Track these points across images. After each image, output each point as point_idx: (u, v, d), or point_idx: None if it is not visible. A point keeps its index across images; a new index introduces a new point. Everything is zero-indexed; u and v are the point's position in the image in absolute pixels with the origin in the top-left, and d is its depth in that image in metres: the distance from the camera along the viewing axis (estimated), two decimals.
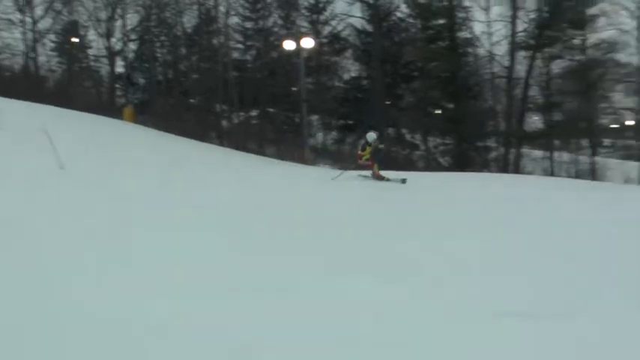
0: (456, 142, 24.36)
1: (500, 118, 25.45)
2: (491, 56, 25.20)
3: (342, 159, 26.10)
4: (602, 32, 24.78)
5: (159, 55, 31.47)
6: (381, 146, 13.29)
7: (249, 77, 28.10)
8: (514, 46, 24.68)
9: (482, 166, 24.01)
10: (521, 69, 25.04)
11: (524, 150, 25.18)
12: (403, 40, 25.56)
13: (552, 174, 24.77)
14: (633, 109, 26.34)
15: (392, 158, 24.14)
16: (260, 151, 25.90)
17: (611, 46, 24.96)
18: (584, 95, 25.14)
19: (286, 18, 27.43)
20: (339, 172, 13.24)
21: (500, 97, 25.50)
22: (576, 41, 25.10)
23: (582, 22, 24.72)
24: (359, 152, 12.92)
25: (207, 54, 29.71)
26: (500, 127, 25.45)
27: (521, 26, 24.71)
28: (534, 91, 25.58)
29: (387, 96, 25.13)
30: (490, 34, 25.12)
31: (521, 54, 25.12)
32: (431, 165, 24.14)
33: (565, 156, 26.41)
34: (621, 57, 25.45)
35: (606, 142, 27.61)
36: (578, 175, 25.02)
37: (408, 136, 25.72)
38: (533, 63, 25.01)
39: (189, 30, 30.26)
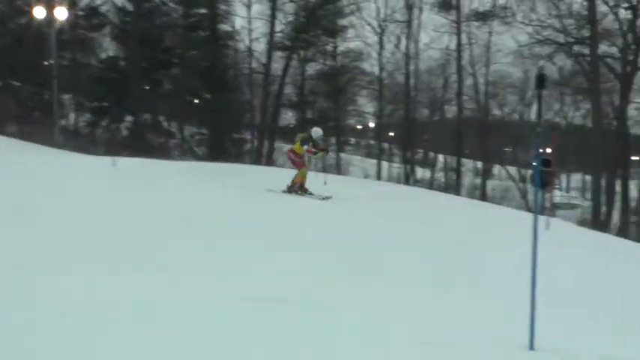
0: (212, 132, 25.02)
1: (256, 112, 26.87)
2: (250, 52, 26.42)
3: (96, 143, 24.97)
4: (350, 42, 27.94)
5: None
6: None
7: None
8: (272, 45, 26.22)
9: (237, 157, 25.09)
10: (278, 67, 26.79)
11: (277, 144, 27.03)
12: (164, 24, 25.17)
13: None
14: (374, 113, 30.30)
15: (147, 145, 23.90)
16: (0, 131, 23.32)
17: (358, 55, 28.30)
18: (334, 97, 28.04)
19: None
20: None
21: (256, 92, 26.86)
22: (328, 48, 27.77)
23: (334, 31, 27.40)
24: (306, 148, 11.33)
25: None
26: (256, 121, 26.91)
27: (279, 27, 26.39)
28: (289, 89, 27.67)
29: (146, 80, 24.60)
30: (250, 31, 26.30)
31: (279, 53, 26.84)
32: (186, 154, 24.46)
33: None
34: (366, 66, 29.05)
35: (351, 140, 31.11)
36: (325, 170, 27.74)
37: (164, 124, 25.62)
38: (289, 63, 26.97)
39: None
